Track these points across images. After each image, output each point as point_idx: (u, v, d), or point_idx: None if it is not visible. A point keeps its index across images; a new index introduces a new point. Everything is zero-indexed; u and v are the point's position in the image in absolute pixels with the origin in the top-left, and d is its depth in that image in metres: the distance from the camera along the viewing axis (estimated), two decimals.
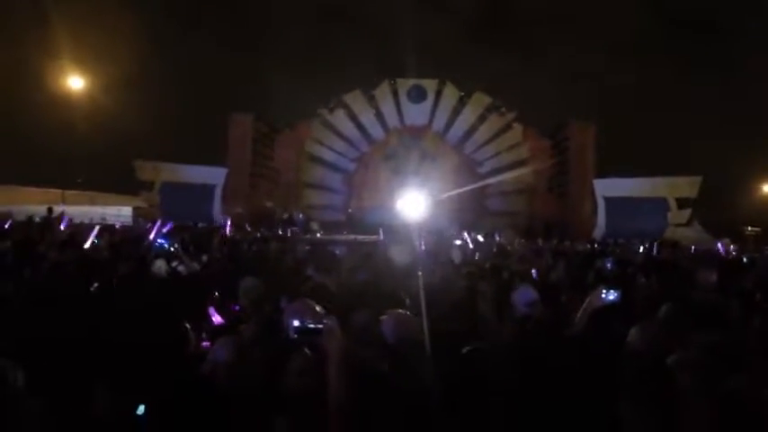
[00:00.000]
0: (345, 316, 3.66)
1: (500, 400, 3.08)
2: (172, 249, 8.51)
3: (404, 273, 7.17)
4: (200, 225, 19.20)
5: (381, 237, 12.93)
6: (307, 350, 3.09)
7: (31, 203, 22.07)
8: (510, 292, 5.01)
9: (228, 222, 15.73)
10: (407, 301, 4.65)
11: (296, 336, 2.96)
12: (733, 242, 17.74)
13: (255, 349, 3.35)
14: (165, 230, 9.73)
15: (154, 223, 10.88)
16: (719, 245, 15.15)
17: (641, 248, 14.82)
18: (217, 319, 4.25)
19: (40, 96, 28.49)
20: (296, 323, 2.95)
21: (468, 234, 13.59)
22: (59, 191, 29.37)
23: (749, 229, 25.50)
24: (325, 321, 2.91)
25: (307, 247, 12.01)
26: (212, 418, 2.88)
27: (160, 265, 7.15)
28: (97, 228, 9.77)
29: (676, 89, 36.45)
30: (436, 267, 7.94)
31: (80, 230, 11.19)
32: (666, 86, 37.12)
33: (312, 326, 2.92)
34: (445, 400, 3.02)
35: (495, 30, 44.00)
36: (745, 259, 12.47)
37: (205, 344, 4.17)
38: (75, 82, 27.77)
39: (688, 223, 25.91)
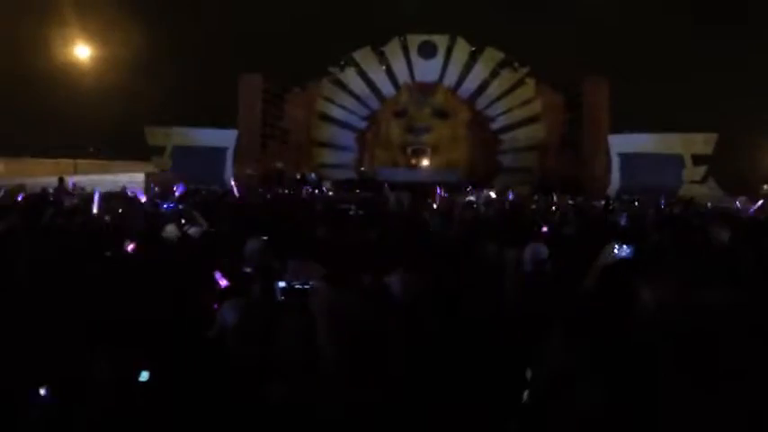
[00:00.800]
0: (355, 275, 3.63)
1: (508, 356, 3.05)
2: (182, 212, 8.46)
3: (415, 231, 7.14)
4: (211, 188, 19.22)
5: (392, 196, 12.87)
6: (296, 311, 3.06)
7: (43, 175, 22.15)
8: (522, 248, 4.95)
9: (234, 185, 15.71)
10: (417, 257, 4.61)
11: (282, 297, 2.91)
12: (750, 200, 17.45)
13: (259, 312, 3.33)
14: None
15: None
16: (737, 203, 14.93)
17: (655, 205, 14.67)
18: (223, 282, 4.23)
19: (49, 67, 28.26)
20: (281, 284, 2.90)
21: (480, 192, 13.48)
22: (71, 161, 29.38)
23: (765, 187, 25.04)
24: (311, 282, 2.85)
25: (318, 206, 12.00)
26: (218, 380, 2.87)
27: (171, 230, 7.08)
28: (98, 194, 9.57)
29: (692, 44, 35.53)
30: (447, 225, 7.89)
31: (89, 199, 11.13)
32: (682, 41, 36.18)
33: (298, 286, 2.86)
34: (452, 358, 2.99)
35: None
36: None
37: (215, 307, 4.16)
38: (83, 51, 27.52)
39: (703, 180, 25.63)
